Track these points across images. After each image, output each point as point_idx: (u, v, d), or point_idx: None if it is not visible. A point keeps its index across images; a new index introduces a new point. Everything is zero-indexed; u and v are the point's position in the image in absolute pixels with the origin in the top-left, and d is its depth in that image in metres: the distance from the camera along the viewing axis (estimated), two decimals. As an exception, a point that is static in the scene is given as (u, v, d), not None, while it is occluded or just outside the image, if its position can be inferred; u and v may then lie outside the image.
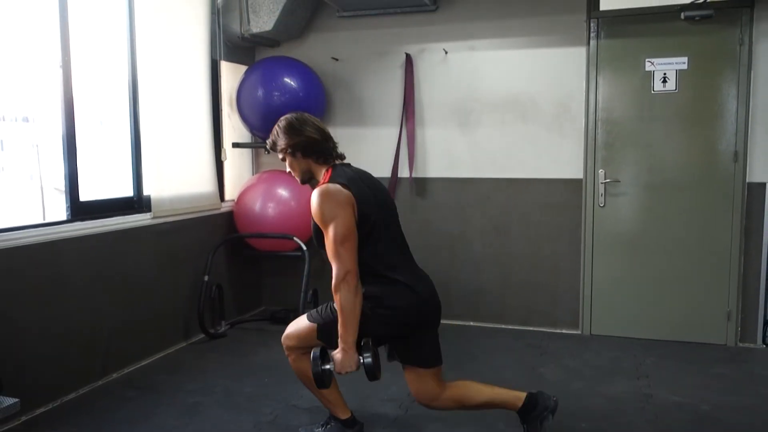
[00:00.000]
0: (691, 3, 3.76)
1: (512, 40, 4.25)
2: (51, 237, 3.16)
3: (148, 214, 3.78)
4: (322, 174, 2.49)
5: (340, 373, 2.32)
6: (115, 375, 3.53)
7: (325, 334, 2.49)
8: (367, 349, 2.29)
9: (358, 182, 2.44)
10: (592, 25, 4.04)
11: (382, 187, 2.59)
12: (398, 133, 4.47)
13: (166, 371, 3.62)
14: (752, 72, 3.81)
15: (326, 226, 2.33)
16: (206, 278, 4.13)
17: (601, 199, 4.12)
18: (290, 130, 2.50)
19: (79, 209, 3.38)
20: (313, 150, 2.49)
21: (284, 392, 3.28)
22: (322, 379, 2.31)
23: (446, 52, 4.36)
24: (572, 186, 4.21)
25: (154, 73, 3.75)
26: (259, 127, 4.39)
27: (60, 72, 3.26)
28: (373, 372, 2.29)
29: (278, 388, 3.34)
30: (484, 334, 4.26)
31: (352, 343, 2.31)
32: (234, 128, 4.60)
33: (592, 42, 4.05)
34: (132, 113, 3.76)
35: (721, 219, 3.93)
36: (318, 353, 2.32)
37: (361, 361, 2.29)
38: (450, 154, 4.44)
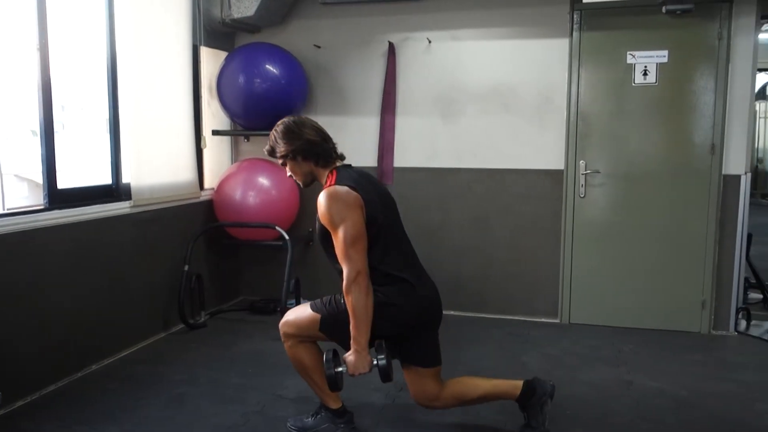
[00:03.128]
0: (673, -3, 3.82)
1: (496, 31, 4.25)
2: (28, 226, 3.07)
3: (127, 202, 3.70)
4: (326, 176, 2.49)
5: (353, 375, 2.33)
6: (94, 366, 3.46)
7: (328, 326, 2.49)
8: (381, 351, 2.32)
9: (365, 185, 2.45)
10: (575, 16, 4.07)
11: (385, 189, 2.61)
12: (379, 122, 4.45)
13: (147, 362, 3.56)
14: (730, 66, 3.89)
15: (335, 228, 2.34)
16: (186, 268, 4.06)
17: (582, 189, 4.17)
18: (288, 134, 2.48)
19: (56, 197, 3.29)
20: (314, 152, 2.48)
21: (269, 383, 3.26)
22: (336, 382, 2.33)
23: (429, 42, 4.35)
24: (553, 177, 4.25)
25: (133, 58, 3.65)
26: (240, 114, 4.33)
27: (37, 55, 3.15)
28: (387, 373, 2.32)
29: (263, 379, 3.31)
30: (464, 323, 4.29)
31: (365, 345, 2.34)
32: (213, 115, 4.52)
33: (575, 34, 4.08)
34: (111, 99, 3.66)
35: (697, 210, 4.02)
36: (330, 355, 2.34)
37: (375, 362, 2.32)
38: (432, 143, 4.44)
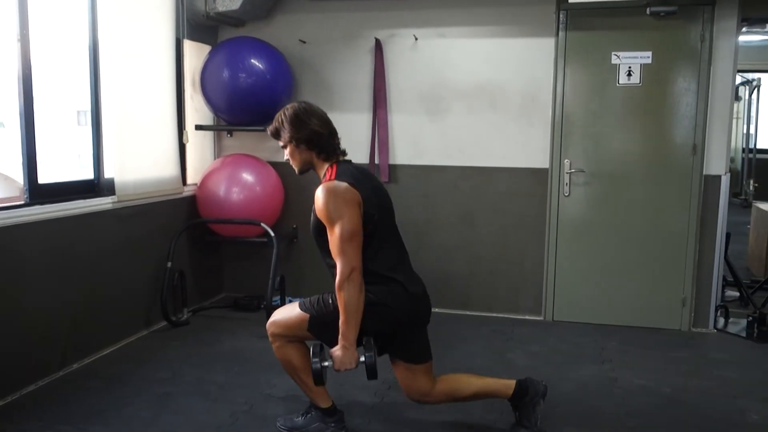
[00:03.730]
0: (657, -1, 3.87)
1: (482, 29, 4.26)
2: (8, 221, 2.98)
3: (110, 197, 3.62)
4: (325, 169, 2.47)
5: (338, 371, 2.32)
6: (75, 365, 3.38)
7: (317, 326, 2.47)
8: (369, 348, 2.31)
9: (363, 182, 2.44)
10: (561, 16, 4.09)
11: (383, 187, 2.61)
12: (371, 119, 4.43)
13: (130, 361, 3.50)
14: (712, 68, 3.95)
15: (332, 223, 2.32)
16: (169, 264, 4.00)
17: (566, 188, 4.21)
18: (296, 121, 2.46)
19: (37, 192, 3.21)
20: (318, 144, 2.47)
21: (256, 381, 3.23)
22: (321, 376, 2.32)
23: (416, 39, 4.34)
24: (538, 175, 4.28)
25: (116, 50, 3.57)
26: (224, 109, 4.27)
27: (18, 46, 3.06)
28: (374, 371, 2.31)
29: (249, 378, 3.28)
30: (450, 321, 4.30)
31: (354, 341, 2.33)
32: (196, 110, 4.45)
33: (561, 34, 4.11)
34: (92, 91, 3.59)
35: (679, 209, 4.08)
36: (318, 349, 2.32)
37: (362, 359, 2.30)
38: (418, 141, 4.44)
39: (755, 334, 4.01)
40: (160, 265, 4.02)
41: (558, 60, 4.13)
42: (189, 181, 4.40)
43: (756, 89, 9.63)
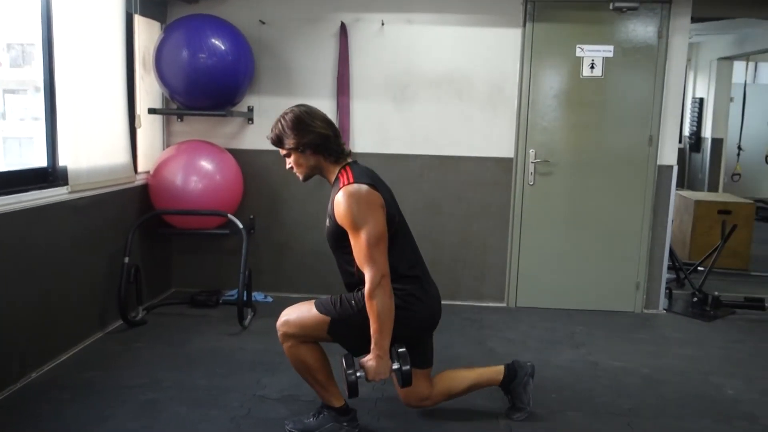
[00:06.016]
0: (621, -5, 4.01)
1: (450, 17, 4.23)
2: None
3: (65, 187, 3.27)
4: (337, 173, 2.36)
5: (370, 381, 2.25)
6: (34, 375, 3.04)
7: (339, 329, 2.38)
8: (405, 358, 2.26)
9: (379, 182, 2.37)
10: (528, 8, 4.15)
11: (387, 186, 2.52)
12: (335, 106, 4.29)
13: (96, 366, 3.19)
14: (667, 64, 4.16)
15: (357, 229, 2.22)
16: (126, 260, 3.69)
17: (531, 177, 4.29)
18: (300, 125, 2.33)
19: (-13, 182, 2.83)
20: (326, 147, 2.35)
21: (244, 383, 3.05)
22: (357, 389, 2.25)
23: (383, 24, 4.24)
24: (503, 164, 4.34)
25: (70, 25, 3.22)
26: (182, 91, 3.97)
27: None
28: (410, 378, 2.28)
29: (236, 379, 3.09)
30: (418, 310, 4.27)
31: (388, 350, 2.26)
32: (147, 92, 4.11)
33: (528, 25, 4.16)
34: (47, 71, 3.20)
35: (635, 198, 4.28)
36: (351, 361, 2.26)
37: (398, 367, 2.26)
38: (383, 129, 4.36)
39: (702, 314, 4.30)
40: (114, 261, 3.70)
41: (525, 51, 4.19)
42: (140, 168, 4.06)
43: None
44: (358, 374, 2.25)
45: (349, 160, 2.45)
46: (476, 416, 2.79)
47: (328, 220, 2.39)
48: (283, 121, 2.36)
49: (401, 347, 2.30)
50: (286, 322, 2.45)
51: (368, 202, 2.26)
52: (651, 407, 2.93)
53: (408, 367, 2.26)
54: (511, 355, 3.45)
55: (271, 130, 2.39)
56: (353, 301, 2.38)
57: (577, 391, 3.08)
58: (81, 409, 2.73)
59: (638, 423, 2.76)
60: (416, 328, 2.45)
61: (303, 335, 2.43)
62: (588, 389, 3.11)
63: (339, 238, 2.34)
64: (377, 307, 2.22)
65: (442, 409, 2.80)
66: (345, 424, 2.57)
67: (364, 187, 2.28)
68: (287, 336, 2.46)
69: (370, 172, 2.41)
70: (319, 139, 2.34)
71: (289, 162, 2.42)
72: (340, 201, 2.27)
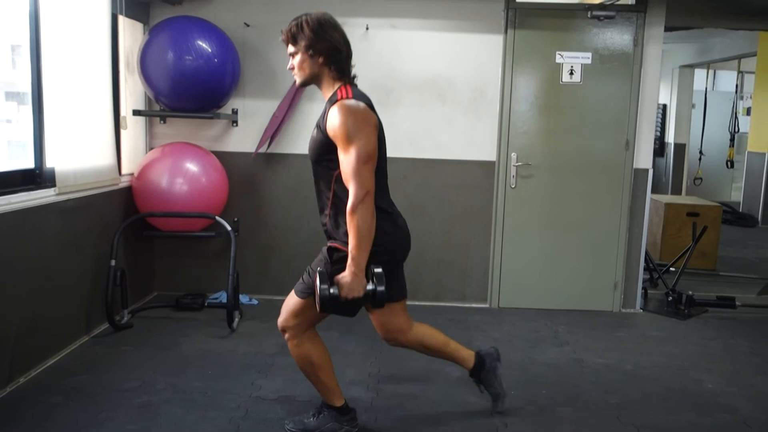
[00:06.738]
0: (599, 4, 4.15)
1: (434, 22, 4.31)
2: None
3: (52, 189, 3.22)
4: (336, 88, 2.32)
5: (345, 298, 2.21)
6: (22, 379, 2.99)
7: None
8: (381, 279, 2.22)
9: (374, 108, 2.35)
10: (509, 15, 4.25)
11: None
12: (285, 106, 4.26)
13: (85, 370, 3.15)
14: (642, 70, 4.31)
15: (349, 142, 2.20)
16: (113, 262, 3.64)
17: (513, 181, 4.39)
18: (320, 29, 2.28)
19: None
20: (336, 59, 2.31)
21: (238, 384, 3.05)
22: (330, 303, 2.21)
23: (368, 28, 4.29)
24: (486, 168, 4.42)
25: (57, 26, 3.18)
26: (167, 93, 3.94)
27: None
28: (383, 299, 2.24)
29: (229, 381, 3.09)
30: (402, 312, 4.32)
31: (364, 267, 2.23)
32: (131, 93, 4.08)
33: (509, 31, 4.26)
34: (34, 70, 3.15)
35: (612, 201, 4.41)
36: (324, 276, 2.21)
37: (375, 288, 2.21)
38: (368, 132, 4.39)
39: (677, 312, 4.46)
40: (99, 263, 3.65)
41: (506, 57, 4.29)
42: (124, 171, 4.02)
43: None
44: (331, 290, 2.20)
45: (353, 82, 2.41)
46: (472, 415, 2.84)
47: (315, 131, 2.34)
48: (305, 21, 2.29)
49: (378, 267, 2.25)
50: (284, 318, 2.47)
51: (365, 119, 2.25)
52: (637, 402, 3.03)
53: (383, 288, 2.21)
54: (501, 355, 3.55)
55: (288, 26, 2.33)
56: (317, 262, 2.40)
57: (565, 388, 3.17)
58: (75, 413, 2.70)
59: (627, 417, 2.86)
60: (390, 253, 2.40)
61: (303, 322, 2.44)
62: (575, 385, 3.20)
63: (325, 151, 2.29)
64: (358, 222, 2.18)
65: (439, 408, 2.87)
66: (345, 423, 2.59)
67: (361, 104, 2.27)
68: (290, 329, 2.46)
69: (367, 98, 2.37)
70: (333, 49, 2.30)
71: (292, 62, 2.37)
72: (335, 113, 2.22)
